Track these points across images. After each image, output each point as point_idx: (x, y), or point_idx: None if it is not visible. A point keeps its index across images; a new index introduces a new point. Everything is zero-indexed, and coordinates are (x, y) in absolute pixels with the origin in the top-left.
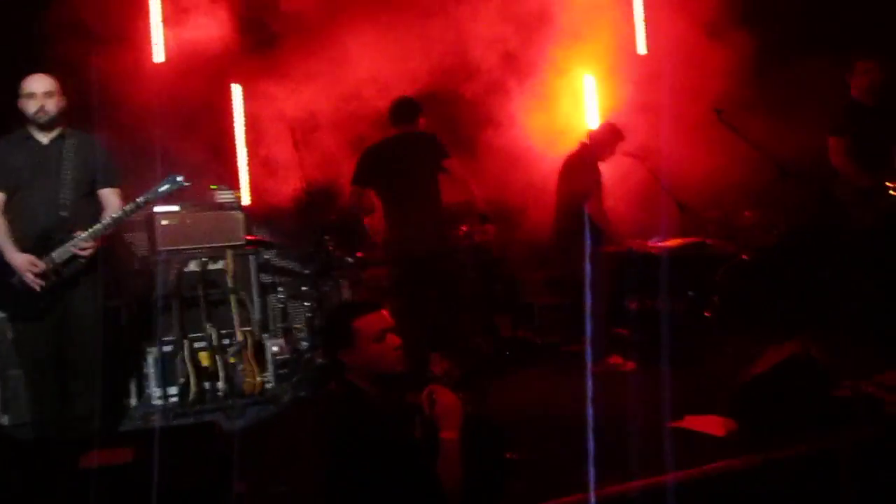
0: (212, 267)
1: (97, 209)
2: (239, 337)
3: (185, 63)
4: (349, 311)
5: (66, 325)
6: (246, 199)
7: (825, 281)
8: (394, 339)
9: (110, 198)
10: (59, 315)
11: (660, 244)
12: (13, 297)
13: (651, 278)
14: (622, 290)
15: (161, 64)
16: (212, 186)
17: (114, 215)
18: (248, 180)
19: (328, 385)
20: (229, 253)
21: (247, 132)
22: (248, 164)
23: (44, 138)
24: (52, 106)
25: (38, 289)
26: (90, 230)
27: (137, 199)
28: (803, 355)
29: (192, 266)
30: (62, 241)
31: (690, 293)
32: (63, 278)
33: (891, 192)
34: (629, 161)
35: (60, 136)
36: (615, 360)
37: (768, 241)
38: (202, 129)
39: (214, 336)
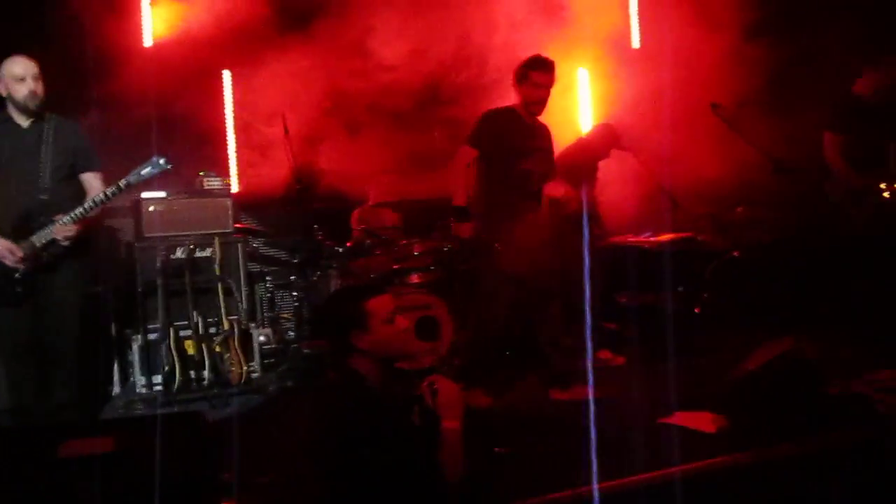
0: (199, 254)
1: (78, 193)
2: (225, 326)
3: (174, 48)
4: (362, 293)
5: (45, 311)
6: (235, 187)
7: (817, 280)
8: (402, 322)
9: (92, 181)
10: (38, 301)
11: (650, 239)
12: None
13: (641, 273)
14: (611, 284)
15: (150, 48)
16: (200, 173)
17: (95, 198)
18: (237, 167)
19: (326, 373)
20: (217, 240)
21: (236, 119)
22: (238, 151)
23: (24, 121)
24: (40, 89)
25: (17, 273)
26: (71, 213)
27: (119, 182)
28: (795, 353)
29: (179, 253)
30: (42, 225)
31: (680, 289)
32: (42, 263)
33: (884, 193)
34: (622, 155)
35: (40, 119)
36: (605, 354)
37: (760, 239)
38: (192, 115)
39: (200, 324)
